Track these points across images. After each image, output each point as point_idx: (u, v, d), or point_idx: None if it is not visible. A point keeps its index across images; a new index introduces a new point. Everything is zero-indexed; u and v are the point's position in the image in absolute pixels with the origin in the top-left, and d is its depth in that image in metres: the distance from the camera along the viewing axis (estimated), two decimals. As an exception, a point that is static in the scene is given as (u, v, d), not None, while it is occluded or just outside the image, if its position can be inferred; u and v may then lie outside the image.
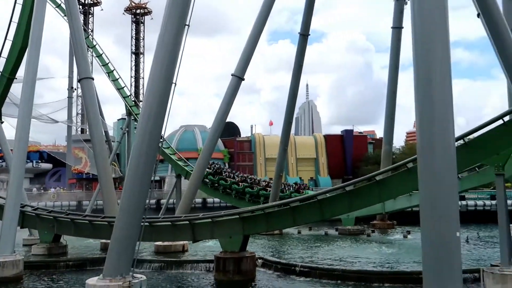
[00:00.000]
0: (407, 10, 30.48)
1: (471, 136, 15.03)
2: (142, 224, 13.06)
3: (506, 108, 24.07)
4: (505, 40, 15.91)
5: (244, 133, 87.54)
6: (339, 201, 16.48)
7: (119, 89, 38.75)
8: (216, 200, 43.56)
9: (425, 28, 9.16)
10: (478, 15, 16.54)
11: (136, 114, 35.75)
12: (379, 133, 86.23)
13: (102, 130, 27.67)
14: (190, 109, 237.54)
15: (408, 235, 29.77)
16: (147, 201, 13.35)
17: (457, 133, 14.62)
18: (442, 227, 8.68)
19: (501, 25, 16.07)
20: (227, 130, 66.74)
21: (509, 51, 16.16)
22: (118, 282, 12.09)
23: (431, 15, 9.12)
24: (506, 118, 14.06)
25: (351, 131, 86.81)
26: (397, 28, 35.48)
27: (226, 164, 75.74)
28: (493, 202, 35.80)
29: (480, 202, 41.82)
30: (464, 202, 40.86)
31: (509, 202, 18.85)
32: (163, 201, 42.72)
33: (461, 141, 14.38)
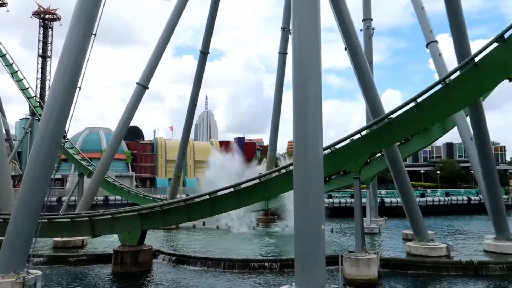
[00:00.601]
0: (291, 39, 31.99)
1: (337, 146, 16.16)
2: (39, 220, 11.93)
3: (364, 124, 26.39)
4: (364, 70, 17.50)
5: (148, 136, 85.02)
6: (229, 199, 16.63)
7: (23, 89, 35.23)
8: (118, 197, 41.42)
9: (302, 57, 9.70)
10: (345, 49, 18.05)
11: (40, 115, 32.68)
12: (266, 141, 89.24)
13: (2, 128, 24.82)
14: (97, 113, 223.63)
15: (286, 228, 31.02)
16: (46, 198, 12.23)
17: (328, 143, 15.73)
18: (311, 220, 9.25)
19: (361, 58, 17.67)
20: (131, 133, 64.05)
21: (367, 78, 17.81)
22: (11, 279, 10.80)
23: (308, 46, 9.69)
24: (364, 132, 15.42)
25: (243, 138, 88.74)
26: (283, 53, 37.10)
27: (129, 165, 72.71)
28: (353, 200, 38.81)
29: (343, 200, 45.15)
30: (331, 200, 43.90)
31: (363, 200, 20.67)
32: (64, 198, 39.45)
33: (329, 150, 15.41)
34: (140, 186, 61.19)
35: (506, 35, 11.75)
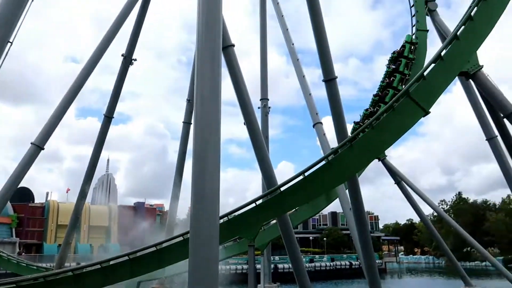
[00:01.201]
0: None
1: (234, 214, 16.19)
2: None
3: (261, 192, 27.03)
4: (260, 143, 18.28)
5: (40, 199, 76.14)
6: (123, 268, 15.30)
7: None
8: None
9: (203, 128, 9.87)
10: (244, 124, 18.92)
11: None
12: (168, 206, 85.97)
13: None
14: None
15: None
16: None
17: (227, 210, 15.70)
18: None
19: (257, 132, 18.53)
20: (20, 195, 57.07)
21: (263, 152, 18.61)
22: None
23: (208, 119, 9.92)
24: (259, 202, 15.78)
25: (143, 203, 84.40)
26: (187, 123, 37.48)
27: (13, 230, 63.62)
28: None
29: (239, 266, 44.61)
30: (227, 267, 43.05)
31: (258, 266, 20.55)
32: None
33: (226, 218, 15.37)
34: (24, 254, 53.53)
35: (374, 123, 13.45)
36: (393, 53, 24.72)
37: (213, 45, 9.79)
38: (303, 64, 30.24)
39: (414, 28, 24.90)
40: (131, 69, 27.42)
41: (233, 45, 16.75)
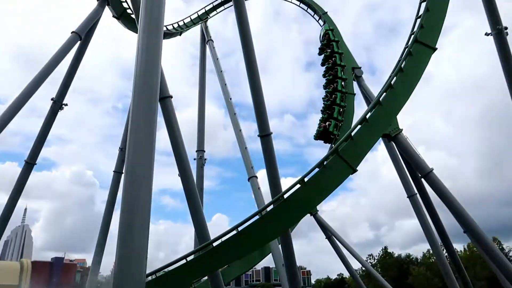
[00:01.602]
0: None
1: (163, 271, 15.26)
2: None
3: (193, 247, 25.96)
4: (194, 195, 17.84)
5: None
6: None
7: None
8: None
9: (133, 179, 9.46)
10: (179, 175, 18.49)
11: None
12: (90, 261, 79.04)
13: None
14: None
15: None
16: None
17: (156, 267, 14.75)
18: None
19: (192, 184, 18.11)
20: None
21: (196, 204, 18.13)
22: None
23: (140, 169, 9.55)
24: (190, 258, 15.10)
25: (62, 258, 76.84)
26: (118, 172, 35.83)
27: None
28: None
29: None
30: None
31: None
32: None
33: (154, 276, 14.43)
34: None
35: (306, 179, 13.85)
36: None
37: (150, 96, 9.70)
38: (240, 118, 31.00)
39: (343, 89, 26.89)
40: (60, 113, 26.06)
41: (171, 97, 16.76)
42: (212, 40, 34.01)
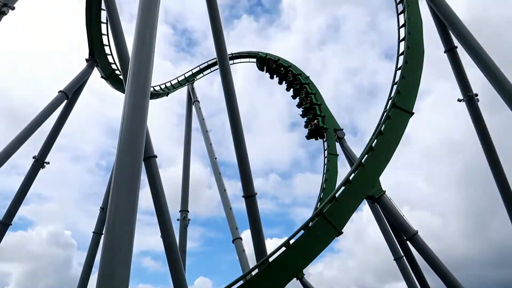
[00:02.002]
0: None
1: None
2: None
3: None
4: (176, 258, 17.15)
5: None
6: None
7: None
8: None
9: (113, 241, 9.08)
10: (161, 236, 17.90)
11: None
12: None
13: None
14: None
15: None
16: None
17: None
18: None
19: (174, 246, 17.51)
20: None
21: (177, 266, 17.35)
22: None
23: (121, 231, 9.18)
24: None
25: (30, 327, 70.88)
26: (97, 233, 34.51)
27: None
28: None
29: None
30: None
31: None
32: None
33: None
34: None
35: (291, 241, 13.57)
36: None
37: (134, 155, 9.65)
38: (225, 177, 30.93)
39: (325, 152, 27.37)
40: (41, 171, 25.51)
41: (155, 156, 16.75)
42: (198, 101, 34.83)
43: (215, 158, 31.18)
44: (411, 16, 16.33)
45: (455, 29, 17.26)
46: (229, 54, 25.80)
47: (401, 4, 17.42)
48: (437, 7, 17.61)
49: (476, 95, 18.62)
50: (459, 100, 18.90)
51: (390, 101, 15.73)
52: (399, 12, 17.61)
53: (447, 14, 17.38)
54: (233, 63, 34.01)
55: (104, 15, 22.23)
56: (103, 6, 21.27)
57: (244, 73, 63.40)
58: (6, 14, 11.57)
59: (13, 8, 11.90)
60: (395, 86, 16.00)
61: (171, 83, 34.84)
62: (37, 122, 22.96)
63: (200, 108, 34.39)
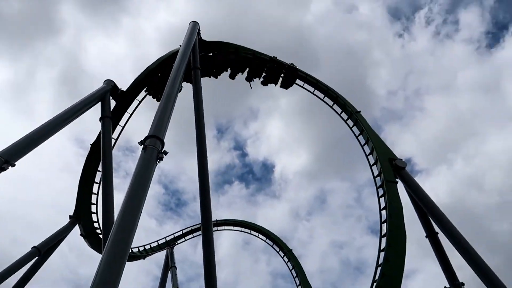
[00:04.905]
0: None
1: None
2: None
3: None
4: None
5: None
6: None
7: None
8: None
9: None
10: None
11: None
12: None
13: None
14: None
15: None
16: None
17: None
18: None
19: None
20: None
21: None
22: None
23: None
24: None
25: None
26: None
27: None
28: None
29: None
30: None
31: None
32: None
33: None
34: None
35: None
36: None
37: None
38: None
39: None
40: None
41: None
42: (175, 267, 33.21)
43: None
44: (392, 201, 17.17)
45: (435, 215, 17.87)
46: (214, 221, 25.90)
47: (381, 188, 18.50)
48: (415, 194, 18.59)
49: (463, 284, 18.13)
50: (445, 288, 18.32)
51: (375, 284, 15.25)
52: (379, 195, 18.58)
53: (426, 201, 18.22)
54: (217, 230, 33.92)
55: (98, 175, 22.98)
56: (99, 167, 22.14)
57: (229, 239, 62.68)
58: (5, 170, 11.93)
59: (13, 165, 12.33)
60: (379, 268, 15.74)
61: (150, 246, 33.85)
62: (2, 276, 21.28)
63: (176, 274, 32.56)
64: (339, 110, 22.95)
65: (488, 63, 68.46)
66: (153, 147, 10.48)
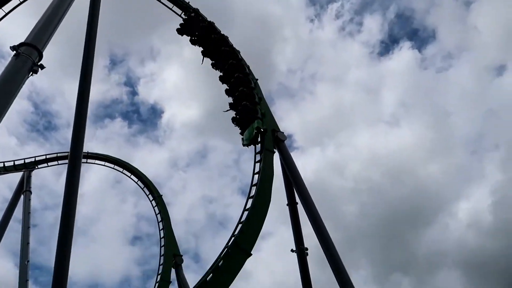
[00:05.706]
0: None
1: None
2: None
3: None
4: None
5: None
6: None
7: None
8: None
9: None
10: None
11: None
12: None
13: None
14: None
15: None
16: None
17: None
18: None
19: None
20: None
21: None
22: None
23: None
24: None
25: None
26: None
27: None
28: None
29: None
30: None
31: None
32: None
33: None
34: None
35: None
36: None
37: None
38: (37, 285, 25.80)
39: (159, 276, 25.72)
40: None
41: None
42: (30, 192, 30.62)
43: (27, 261, 26.33)
44: (266, 167, 18.35)
45: (299, 187, 19.82)
46: (85, 152, 24.34)
47: (259, 155, 19.66)
48: (287, 166, 20.28)
49: (307, 249, 20.63)
50: (292, 251, 20.62)
51: (233, 238, 16.30)
52: (256, 160, 19.70)
53: (295, 175, 20.03)
54: (86, 162, 32.02)
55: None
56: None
57: (98, 174, 59.70)
58: None
59: None
60: (240, 225, 16.84)
61: (4, 165, 30.51)
62: None
63: (30, 199, 30.11)
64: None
65: (375, 68, 75.93)
66: (28, 57, 9.25)
